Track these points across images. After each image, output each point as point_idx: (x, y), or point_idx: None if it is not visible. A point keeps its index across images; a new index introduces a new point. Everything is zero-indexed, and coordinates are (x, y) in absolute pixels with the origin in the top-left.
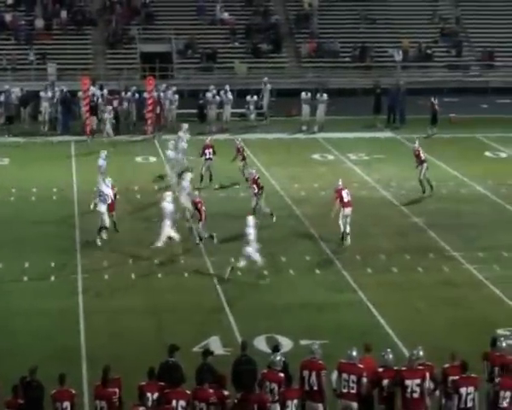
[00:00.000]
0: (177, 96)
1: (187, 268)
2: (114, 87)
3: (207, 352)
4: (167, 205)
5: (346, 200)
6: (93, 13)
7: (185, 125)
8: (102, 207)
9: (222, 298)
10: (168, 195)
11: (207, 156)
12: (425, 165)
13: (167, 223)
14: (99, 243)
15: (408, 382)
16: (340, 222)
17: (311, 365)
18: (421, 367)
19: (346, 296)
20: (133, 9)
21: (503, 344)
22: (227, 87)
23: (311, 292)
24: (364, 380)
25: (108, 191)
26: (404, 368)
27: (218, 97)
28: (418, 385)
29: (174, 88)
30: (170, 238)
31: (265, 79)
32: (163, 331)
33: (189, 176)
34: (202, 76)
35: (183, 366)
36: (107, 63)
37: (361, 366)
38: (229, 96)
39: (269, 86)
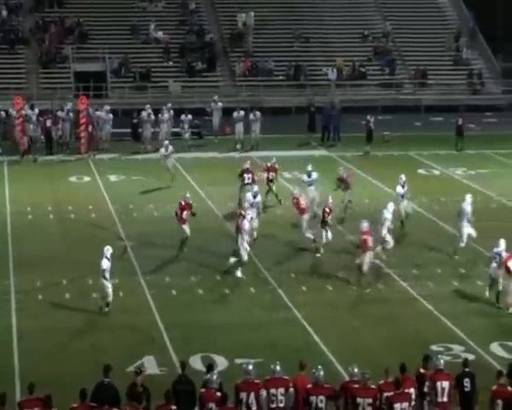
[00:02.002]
0: (111, 116)
1: (121, 287)
2: (48, 106)
3: (138, 371)
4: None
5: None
6: (26, 32)
7: (166, 142)
8: None
9: (157, 317)
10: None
11: (246, 181)
12: (349, 191)
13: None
14: None
15: (360, 400)
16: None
17: (248, 386)
18: (373, 386)
19: (280, 315)
20: (67, 28)
21: (441, 361)
22: (169, 105)
23: (245, 311)
24: (291, 391)
25: None
26: (356, 386)
27: (152, 116)
28: (370, 404)
29: (108, 107)
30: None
31: (215, 97)
32: (98, 351)
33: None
34: (136, 95)
35: (117, 386)
36: (41, 82)
37: (286, 377)
38: (166, 115)
39: (220, 104)
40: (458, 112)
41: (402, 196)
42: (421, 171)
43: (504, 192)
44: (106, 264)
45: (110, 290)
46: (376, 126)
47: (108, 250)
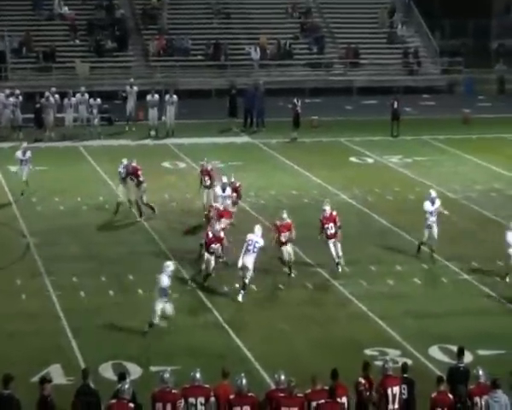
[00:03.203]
0: (11, 100)
1: (24, 289)
2: None
3: (44, 380)
4: None
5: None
6: None
7: (24, 144)
8: None
9: (63, 322)
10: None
11: (206, 184)
12: (144, 186)
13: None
14: None
15: (284, 409)
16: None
17: (164, 396)
18: (300, 395)
19: (200, 318)
20: None
21: (389, 365)
22: (82, 89)
23: (161, 314)
24: (212, 400)
25: None
26: (281, 394)
27: (52, 100)
28: None
29: (7, 91)
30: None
31: (131, 80)
32: None
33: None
34: (40, 77)
35: (19, 398)
36: None
37: (207, 386)
38: (72, 99)
39: (135, 89)
40: (393, 94)
41: (431, 214)
42: (353, 159)
43: (444, 182)
44: (166, 282)
45: (159, 311)
46: (304, 110)
47: (169, 267)
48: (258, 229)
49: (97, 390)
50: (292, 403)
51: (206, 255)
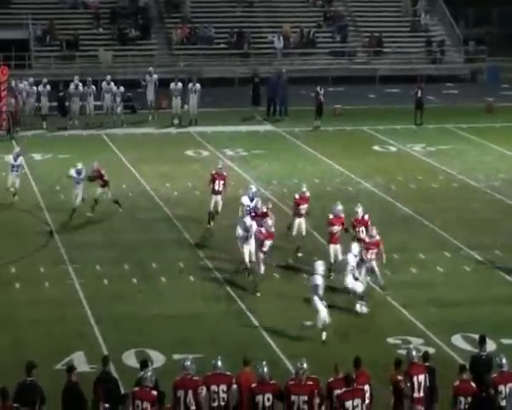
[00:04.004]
0: (35, 88)
1: (47, 277)
2: None
3: (72, 368)
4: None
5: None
6: None
7: (16, 149)
8: None
9: (87, 310)
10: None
11: (220, 189)
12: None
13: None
14: None
15: (294, 397)
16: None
17: (185, 383)
18: (309, 382)
19: (223, 306)
20: None
21: (413, 354)
22: (108, 77)
23: (184, 302)
24: (234, 387)
25: None
26: (291, 382)
27: (80, 89)
28: (305, 402)
29: (31, 79)
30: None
31: (150, 68)
32: (21, 348)
33: None
34: (63, 65)
35: (42, 386)
36: None
37: (229, 373)
38: (93, 87)
39: (155, 77)
40: (417, 83)
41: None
42: (376, 147)
43: (467, 170)
44: (319, 281)
45: (323, 311)
46: (327, 99)
47: (320, 266)
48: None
49: (116, 378)
50: (301, 391)
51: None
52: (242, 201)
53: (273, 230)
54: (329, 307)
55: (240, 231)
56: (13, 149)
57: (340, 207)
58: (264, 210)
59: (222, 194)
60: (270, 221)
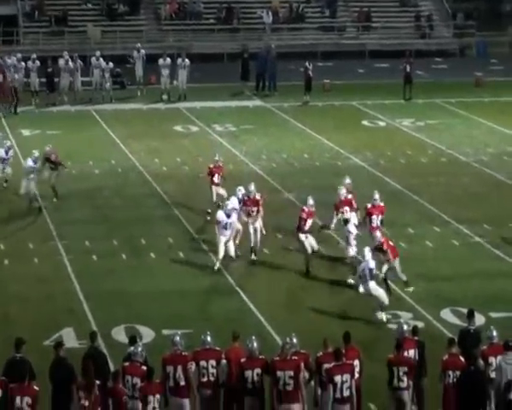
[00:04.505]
0: (23, 64)
1: (36, 253)
2: None
3: (59, 344)
4: None
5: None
6: None
7: (8, 143)
8: None
9: (76, 286)
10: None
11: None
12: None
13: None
14: None
15: (279, 373)
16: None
17: (175, 358)
18: (295, 357)
19: (213, 281)
20: None
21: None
22: (98, 53)
23: (174, 277)
24: (224, 362)
25: None
26: (276, 358)
27: (70, 65)
28: (291, 377)
29: (19, 55)
30: None
31: (138, 44)
32: (10, 324)
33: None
34: (52, 41)
35: (32, 362)
36: None
37: (218, 349)
38: (79, 62)
39: (143, 52)
40: (405, 57)
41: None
42: (365, 122)
43: (456, 145)
44: (373, 264)
45: (383, 292)
46: (316, 74)
47: (369, 251)
48: None
49: (105, 353)
50: (287, 367)
51: (302, 236)
52: (229, 204)
53: (239, 226)
54: (320, 282)
55: (221, 217)
56: (5, 142)
57: (311, 202)
58: (257, 197)
59: (221, 184)
60: (238, 225)
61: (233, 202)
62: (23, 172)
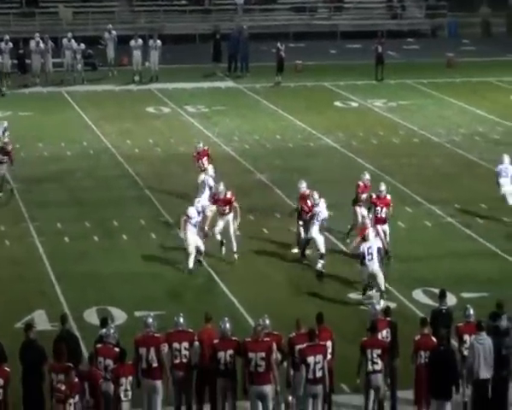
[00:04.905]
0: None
1: (7, 235)
2: None
3: (29, 326)
4: None
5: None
6: None
7: (5, 124)
8: None
9: (48, 268)
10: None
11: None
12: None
13: None
14: None
15: (251, 354)
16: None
17: (147, 340)
18: (266, 339)
19: (184, 263)
20: None
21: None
22: (69, 35)
23: (146, 259)
24: (196, 344)
25: None
26: (248, 339)
27: (42, 46)
28: (263, 359)
29: None
30: None
31: (109, 26)
32: None
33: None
34: (23, 22)
35: (3, 344)
36: None
37: (191, 330)
38: (51, 43)
39: (114, 33)
40: (377, 38)
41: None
42: (337, 103)
43: (428, 125)
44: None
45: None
46: (288, 55)
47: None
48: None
49: (77, 335)
50: (258, 348)
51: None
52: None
53: (206, 229)
54: (292, 263)
55: (193, 213)
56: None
57: (368, 176)
58: (229, 196)
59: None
60: (206, 228)
61: (192, 213)
62: None
